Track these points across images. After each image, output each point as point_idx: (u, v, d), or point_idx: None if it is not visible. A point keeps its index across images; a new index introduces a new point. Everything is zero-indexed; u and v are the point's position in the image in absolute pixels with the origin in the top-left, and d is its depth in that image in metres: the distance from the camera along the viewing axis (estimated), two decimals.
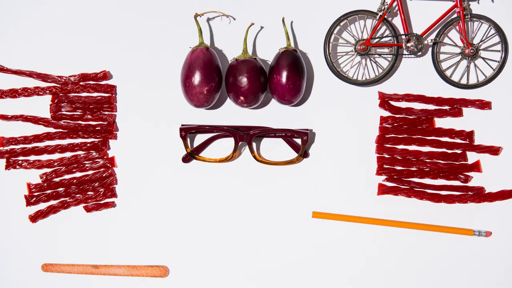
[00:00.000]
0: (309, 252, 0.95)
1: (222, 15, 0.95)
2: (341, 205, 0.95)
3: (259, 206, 0.95)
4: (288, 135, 0.95)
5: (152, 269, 0.95)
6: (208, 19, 0.96)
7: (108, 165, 0.95)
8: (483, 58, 0.95)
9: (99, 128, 0.95)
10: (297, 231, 0.95)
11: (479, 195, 0.94)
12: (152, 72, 0.96)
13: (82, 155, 0.95)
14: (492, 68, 0.95)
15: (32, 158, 0.96)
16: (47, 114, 0.96)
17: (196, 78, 0.90)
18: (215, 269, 0.95)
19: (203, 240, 0.96)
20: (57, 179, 0.96)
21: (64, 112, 0.95)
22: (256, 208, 0.95)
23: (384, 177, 0.94)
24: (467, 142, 0.94)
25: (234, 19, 0.96)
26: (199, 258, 0.95)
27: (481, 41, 0.95)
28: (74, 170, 0.95)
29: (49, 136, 0.95)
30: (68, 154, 0.96)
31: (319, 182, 0.95)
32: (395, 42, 0.93)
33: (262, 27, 0.96)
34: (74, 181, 0.95)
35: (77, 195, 0.95)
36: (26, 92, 0.95)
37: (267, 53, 0.96)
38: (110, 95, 0.96)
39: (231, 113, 0.96)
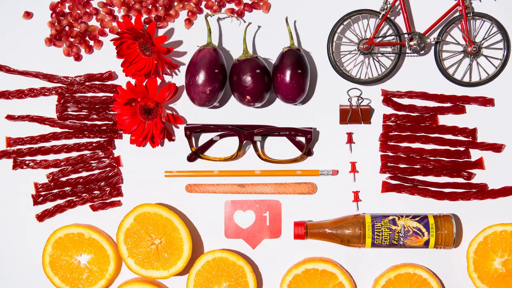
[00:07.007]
0: (307, 253, 0.96)
1: (232, 17, 0.95)
2: (344, 203, 0.95)
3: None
4: (292, 134, 0.95)
5: None
6: (219, 19, 0.96)
7: (114, 164, 0.96)
8: (485, 56, 0.95)
9: (104, 127, 0.96)
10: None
11: (482, 192, 0.94)
12: None
13: (88, 155, 0.96)
14: (494, 66, 0.95)
15: (39, 158, 0.96)
16: (53, 114, 0.97)
17: (200, 77, 0.90)
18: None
19: (207, 236, 0.96)
20: (63, 179, 0.96)
21: (70, 112, 0.96)
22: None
23: (388, 175, 0.95)
24: (470, 139, 0.95)
25: (244, 21, 0.96)
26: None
27: (483, 39, 0.95)
28: (80, 169, 0.96)
29: (55, 136, 0.96)
30: (74, 154, 0.97)
31: (323, 180, 0.95)
32: (398, 41, 0.93)
33: (264, 27, 0.96)
34: (81, 180, 0.96)
35: (84, 194, 0.96)
36: (32, 92, 0.96)
37: (271, 53, 0.96)
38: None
39: (235, 112, 0.97)
